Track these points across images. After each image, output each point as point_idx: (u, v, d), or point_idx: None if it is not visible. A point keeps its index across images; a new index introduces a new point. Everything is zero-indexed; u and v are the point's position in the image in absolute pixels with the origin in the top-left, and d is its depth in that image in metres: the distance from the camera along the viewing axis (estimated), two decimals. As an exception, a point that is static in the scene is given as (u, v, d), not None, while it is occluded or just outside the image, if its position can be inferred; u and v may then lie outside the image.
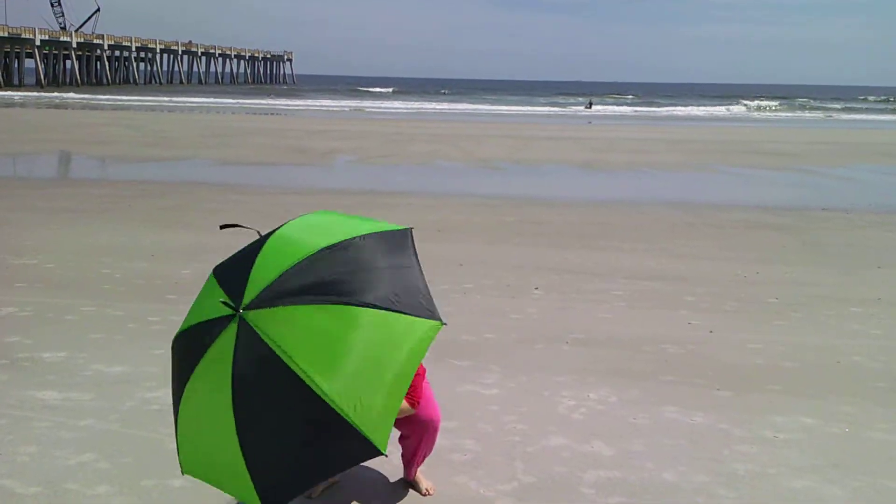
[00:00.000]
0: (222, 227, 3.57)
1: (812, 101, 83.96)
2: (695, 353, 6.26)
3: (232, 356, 2.90)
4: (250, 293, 2.96)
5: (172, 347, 3.22)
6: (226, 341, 2.93)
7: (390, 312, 2.98)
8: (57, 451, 4.36)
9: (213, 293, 3.09)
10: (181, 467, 3.15)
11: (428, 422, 3.84)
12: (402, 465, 4.11)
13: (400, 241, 3.25)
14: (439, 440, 4.53)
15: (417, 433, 3.89)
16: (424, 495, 3.98)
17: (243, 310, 2.93)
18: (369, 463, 4.24)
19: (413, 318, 3.03)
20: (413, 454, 3.99)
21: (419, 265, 3.24)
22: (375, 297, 2.98)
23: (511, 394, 5.36)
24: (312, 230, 3.24)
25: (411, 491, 4.03)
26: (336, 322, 2.92)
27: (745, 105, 72.42)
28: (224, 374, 2.91)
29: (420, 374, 3.66)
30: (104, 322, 6.72)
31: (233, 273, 3.11)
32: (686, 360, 6.11)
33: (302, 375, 2.81)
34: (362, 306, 2.94)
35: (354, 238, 3.14)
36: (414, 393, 3.60)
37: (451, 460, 4.36)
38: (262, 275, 3.02)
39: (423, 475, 4.07)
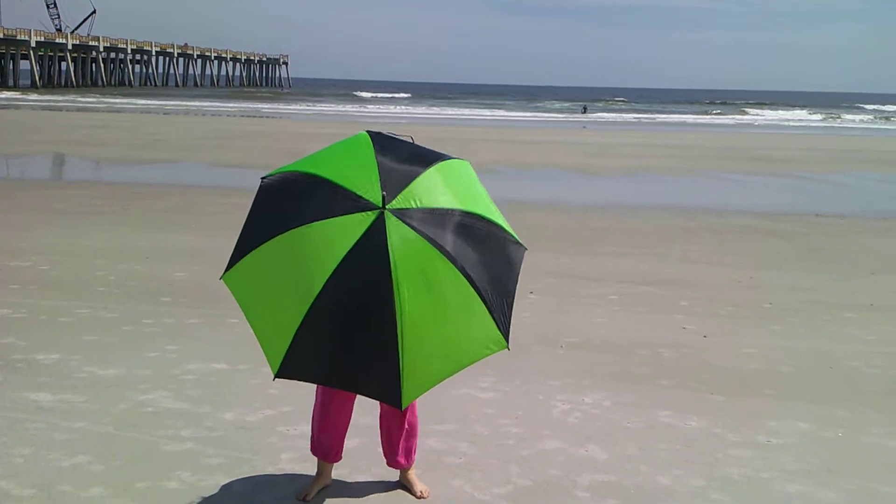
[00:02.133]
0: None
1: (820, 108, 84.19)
2: (689, 358, 6.27)
3: (357, 238, 3.13)
4: (402, 202, 3.22)
5: (303, 176, 3.40)
6: (360, 223, 3.16)
7: (488, 314, 3.24)
8: (51, 452, 4.35)
9: (369, 167, 3.30)
10: (225, 274, 3.34)
11: None
12: (397, 472, 4.10)
13: (520, 256, 3.47)
14: (434, 443, 4.54)
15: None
16: (419, 498, 3.98)
17: (388, 210, 3.18)
18: (364, 465, 4.25)
19: (496, 329, 3.28)
20: (386, 431, 3.97)
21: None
22: (489, 289, 3.24)
23: (506, 397, 5.36)
24: (472, 187, 3.49)
25: (406, 494, 4.02)
26: (448, 285, 3.16)
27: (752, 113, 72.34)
28: (342, 245, 3.13)
29: None
30: (98, 324, 6.70)
31: (394, 167, 3.33)
32: (681, 364, 6.12)
33: (396, 298, 3.05)
34: (478, 294, 3.20)
35: (504, 231, 3.42)
36: None
37: (446, 463, 4.36)
38: (418, 196, 3.26)
39: (417, 478, 4.06)
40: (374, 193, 3.22)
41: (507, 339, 3.30)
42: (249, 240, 3.35)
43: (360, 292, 3.11)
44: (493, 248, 3.36)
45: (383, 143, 3.46)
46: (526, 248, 3.49)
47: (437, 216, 3.25)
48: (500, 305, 3.28)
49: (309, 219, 3.22)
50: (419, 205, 3.24)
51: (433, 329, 3.14)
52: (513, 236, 3.46)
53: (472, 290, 3.19)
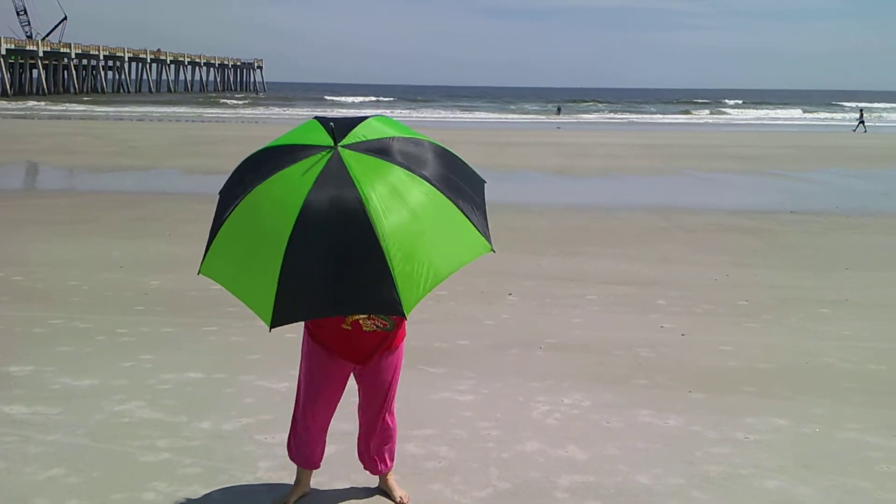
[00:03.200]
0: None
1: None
2: (667, 357, 6.30)
3: (316, 175, 3.17)
4: (351, 139, 3.32)
5: (251, 157, 3.46)
6: (316, 161, 3.22)
7: (463, 215, 3.30)
8: (25, 466, 4.28)
9: (315, 130, 3.40)
10: (200, 268, 3.37)
11: (381, 385, 3.81)
12: (376, 478, 4.07)
13: (482, 184, 3.59)
14: (413, 448, 4.52)
15: (368, 397, 3.85)
16: (398, 503, 3.96)
17: (340, 146, 3.26)
18: (343, 472, 4.22)
19: (476, 231, 3.34)
20: (364, 436, 3.94)
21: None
22: (457, 197, 3.31)
23: (485, 400, 5.35)
24: (413, 131, 3.55)
25: (385, 499, 3.99)
26: (417, 193, 3.20)
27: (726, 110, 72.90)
28: (303, 185, 3.15)
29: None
30: (72, 335, 6.62)
31: (338, 124, 3.40)
32: (659, 363, 6.14)
33: (369, 211, 3.06)
34: (445, 195, 3.26)
35: (452, 152, 3.51)
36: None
37: (426, 468, 4.34)
38: (365, 132, 3.37)
39: (396, 483, 4.04)
40: (324, 139, 3.33)
41: (490, 243, 3.37)
42: (215, 225, 3.39)
43: (332, 219, 3.10)
44: (454, 165, 3.45)
45: (327, 119, 3.53)
46: (485, 181, 3.60)
47: (394, 142, 3.35)
48: (475, 214, 3.36)
49: (263, 178, 3.30)
50: (371, 137, 3.34)
51: (415, 236, 3.14)
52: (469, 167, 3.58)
53: (444, 198, 3.25)
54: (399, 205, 3.13)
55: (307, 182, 3.16)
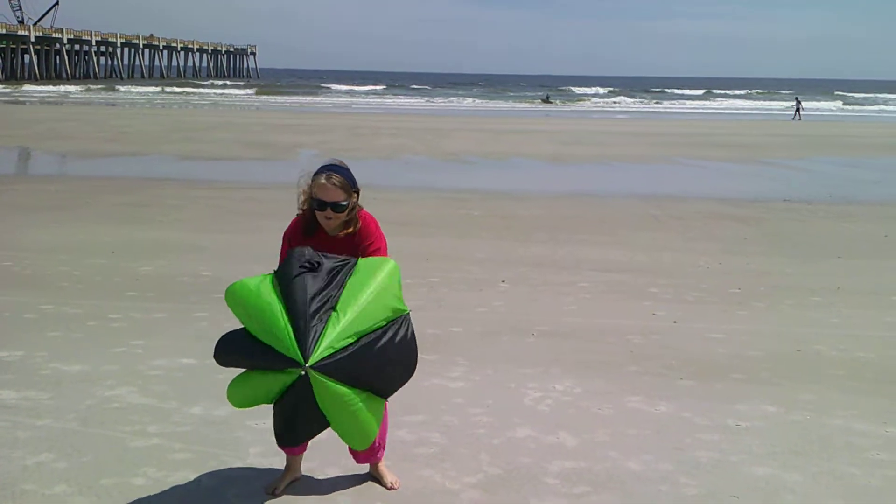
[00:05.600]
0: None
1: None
2: (659, 344, 6.30)
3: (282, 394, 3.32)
4: (321, 352, 3.18)
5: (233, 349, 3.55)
6: (284, 379, 3.25)
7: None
8: (14, 451, 4.26)
9: (278, 318, 3.27)
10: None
11: None
12: (367, 463, 4.07)
13: (396, 329, 3.63)
14: (404, 434, 4.53)
15: None
16: (389, 489, 3.96)
17: (310, 368, 3.16)
18: (333, 458, 4.22)
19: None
20: None
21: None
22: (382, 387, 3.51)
23: (477, 386, 5.35)
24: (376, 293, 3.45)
25: (376, 485, 4.00)
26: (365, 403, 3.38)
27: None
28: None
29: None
30: (63, 320, 6.59)
31: (300, 316, 3.24)
32: (650, 350, 6.15)
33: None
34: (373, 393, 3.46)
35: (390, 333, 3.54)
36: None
37: (417, 454, 4.34)
38: (336, 333, 3.24)
39: (387, 469, 4.04)
40: (288, 345, 3.24)
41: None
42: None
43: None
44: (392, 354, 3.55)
45: (287, 279, 3.41)
46: (406, 312, 3.64)
47: (360, 357, 3.32)
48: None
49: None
50: (339, 349, 3.27)
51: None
52: (387, 321, 3.51)
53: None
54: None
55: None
